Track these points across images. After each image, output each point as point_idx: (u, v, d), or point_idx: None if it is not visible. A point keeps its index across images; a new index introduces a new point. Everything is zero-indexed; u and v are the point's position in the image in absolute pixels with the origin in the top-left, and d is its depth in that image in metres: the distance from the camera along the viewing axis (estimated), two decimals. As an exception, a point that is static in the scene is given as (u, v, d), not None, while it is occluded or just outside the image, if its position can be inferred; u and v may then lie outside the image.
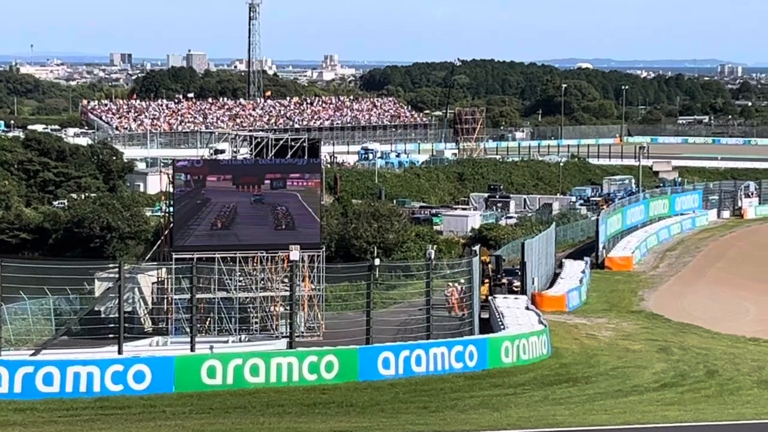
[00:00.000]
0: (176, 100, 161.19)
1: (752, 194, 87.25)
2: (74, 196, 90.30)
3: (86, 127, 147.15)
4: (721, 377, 33.50)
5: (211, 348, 33.29)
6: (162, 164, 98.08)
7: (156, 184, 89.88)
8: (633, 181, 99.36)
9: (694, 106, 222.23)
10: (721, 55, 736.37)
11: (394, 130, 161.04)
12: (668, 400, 30.27)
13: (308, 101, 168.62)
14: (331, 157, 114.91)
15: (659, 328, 43.20)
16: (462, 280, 39.62)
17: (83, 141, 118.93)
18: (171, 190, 40.49)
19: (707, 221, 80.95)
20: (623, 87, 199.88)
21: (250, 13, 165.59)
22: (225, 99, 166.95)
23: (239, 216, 39.72)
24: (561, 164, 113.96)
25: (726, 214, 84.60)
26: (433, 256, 38.37)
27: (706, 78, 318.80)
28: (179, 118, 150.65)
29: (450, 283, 41.92)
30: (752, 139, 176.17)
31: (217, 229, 39.55)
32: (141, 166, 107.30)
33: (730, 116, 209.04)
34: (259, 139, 43.29)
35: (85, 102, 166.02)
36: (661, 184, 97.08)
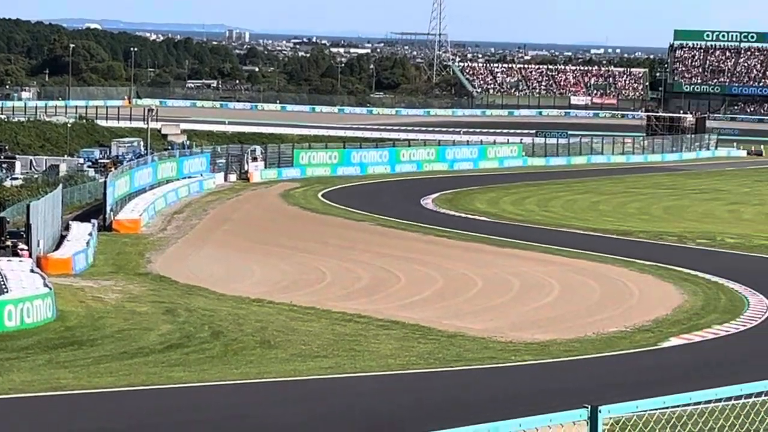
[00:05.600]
0: None
1: (258, 158, 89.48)
2: None
3: None
4: (225, 338, 34.10)
5: None
6: None
7: None
8: (141, 143, 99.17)
9: (202, 70, 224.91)
10: (229, 21, 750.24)
11: None
12: (173, 362, 30.51)
13: None
14: None
15: (166, 290, 43.39)
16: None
17: None
18: None
19: (215, 184, 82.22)
20: (132, 49, 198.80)
21: None
22: None
23: None
24: (69, 125, 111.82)
25: (233, 177, 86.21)
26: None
27: (215, 42, 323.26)
28: None
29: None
30: (259, 104, 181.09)
31: None
32: None
33: (237, 81, 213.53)
34: None
35: None
36: (170, 147, 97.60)
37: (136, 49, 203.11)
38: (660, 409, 6.92)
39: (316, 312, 39.30)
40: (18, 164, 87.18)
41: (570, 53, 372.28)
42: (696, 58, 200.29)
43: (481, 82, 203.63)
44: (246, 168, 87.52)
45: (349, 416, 24.16)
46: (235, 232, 61.63)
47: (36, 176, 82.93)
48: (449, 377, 29.70)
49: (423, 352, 32.79)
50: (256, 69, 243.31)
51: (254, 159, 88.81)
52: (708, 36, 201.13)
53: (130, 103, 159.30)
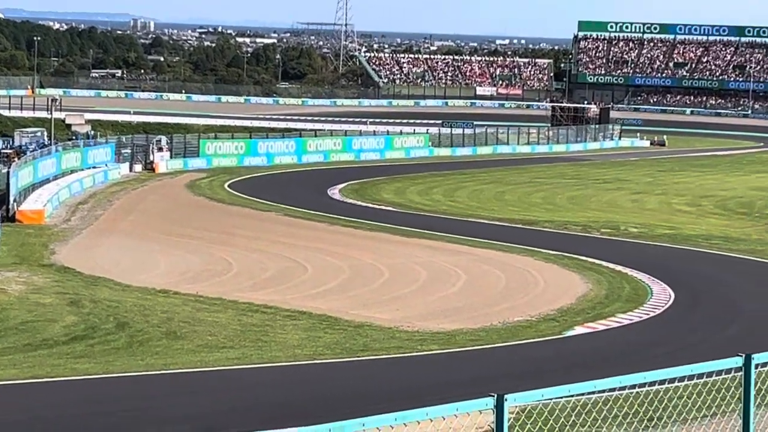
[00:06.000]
0: None
1: (164, 148, 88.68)
2: None
3: None
4: (131, 329, 33.82)
5: None
6: None
7: None
8: (45, 133, 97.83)
9: (107, 60, 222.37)
10: (134, 10, 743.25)
11: None
12: (78, 353, 30.20)
13: None
14: None
15: (71, 282, 42.88)
16: None
17: None
18: None
19: (120, 175, 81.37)
20: (35, 38, 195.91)
21: None
22: None
23: None
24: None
25: (138, 167, 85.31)
26: None
27: (119, 32, 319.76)
28: None
29: None
30: (164, 93, 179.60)
31: None
32: None
33: (142, 71, 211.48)
34: None
35: None
36: (74, 137, 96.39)
37: (39, 38, 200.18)
38: (565, 397, 7.01)
39: (223, 303, 39.12)
40: None
41: (475, 44, 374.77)
42: (600, 49, 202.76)
43: (388, 72, 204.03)
44: (151, 158, 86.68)
45: (256, 407, 24.11)
46: (141, 222, 61.06)
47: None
48: (356, 367, 29.79)
49: (330, 342, 32.84)
50: (161, 58, 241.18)
51: (160, 149, 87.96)
52: (612, 27, 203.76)
53: (33, 92, 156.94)
